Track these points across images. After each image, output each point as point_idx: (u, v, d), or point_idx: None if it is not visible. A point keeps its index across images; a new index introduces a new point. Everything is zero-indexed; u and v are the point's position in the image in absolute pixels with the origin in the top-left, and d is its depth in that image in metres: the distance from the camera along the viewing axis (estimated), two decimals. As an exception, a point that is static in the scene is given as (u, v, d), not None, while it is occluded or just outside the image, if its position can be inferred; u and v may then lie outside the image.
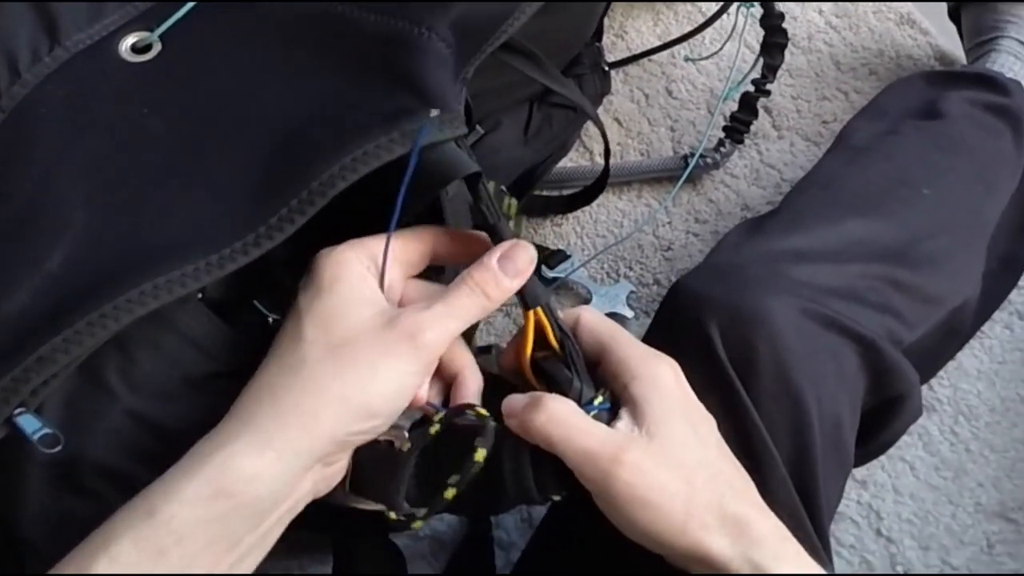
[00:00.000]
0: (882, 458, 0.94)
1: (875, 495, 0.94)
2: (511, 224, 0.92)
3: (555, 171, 1.09)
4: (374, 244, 0.52)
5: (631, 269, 1.06)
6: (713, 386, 0.60)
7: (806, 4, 1.23)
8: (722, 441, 0.55)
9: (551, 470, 0.52)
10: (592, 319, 0.57)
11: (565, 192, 1.09)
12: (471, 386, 0.55)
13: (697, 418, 0.55)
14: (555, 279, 1.03)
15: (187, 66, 0.58)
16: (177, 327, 0.51)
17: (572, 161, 1.13)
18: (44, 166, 0.53)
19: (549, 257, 1.04)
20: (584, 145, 1.14)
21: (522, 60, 0.76)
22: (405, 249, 0.54)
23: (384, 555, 0.84)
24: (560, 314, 0.56)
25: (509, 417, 0.52)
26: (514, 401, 0.52)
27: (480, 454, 0.51)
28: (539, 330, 0.54)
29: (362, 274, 0.51)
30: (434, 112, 0.53)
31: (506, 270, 0.52)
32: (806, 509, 0.64)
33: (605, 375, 0.55)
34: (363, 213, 0.64)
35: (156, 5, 0.60)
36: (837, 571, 0.90)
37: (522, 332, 0.55)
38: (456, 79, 0.59)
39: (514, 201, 0.76)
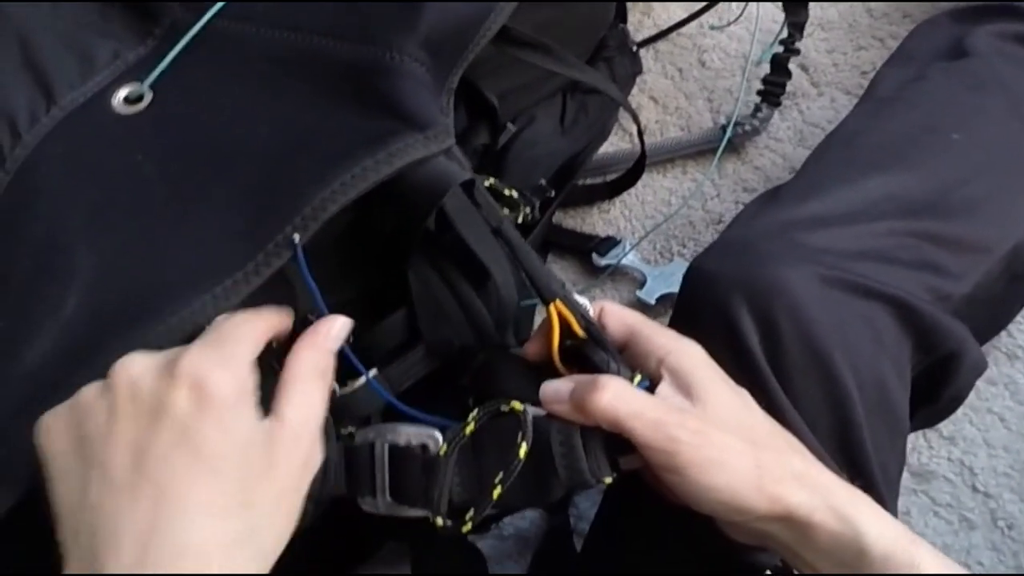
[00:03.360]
0: (968, 412, 0.91)
1: (966, 451, 0.91)
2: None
3: (596, 157, 1.08)
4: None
5: (684, 247, 1.04)
6: (739, 367, 0.59)
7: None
8: (765, 412, 0.55)
9: (600, 452, 0.52)
10: (616, 307, 0.58)
11: (609, 178, 1.08)
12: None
13: (735, 386, 0.55)
14: (608, 266, 1.02)
15: (177, 112, 0.60)
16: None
17: (613, 145, 1.12)
18: (49, 220, 0.56)
19: (600, 244, 1.04)
20: (623, 128, 1.12)
21: (535, 54, 0.76)
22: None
23: (463, 557, 0.85)
24: (585, 302, 0.57)
25: (555, 403, 0.52)
26: (556, 387, 0.53)
27: (523, 449, 0.51)
28: (563, 320, 0.55)
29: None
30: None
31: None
32: (858, 479, 0.62)
33: (635, 357, 0.56)
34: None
35: (146, 58, 0.62)
36: (937, 531, 0.88)
37: (546, 324, 0.56)
38: (439, 94, 0.60)
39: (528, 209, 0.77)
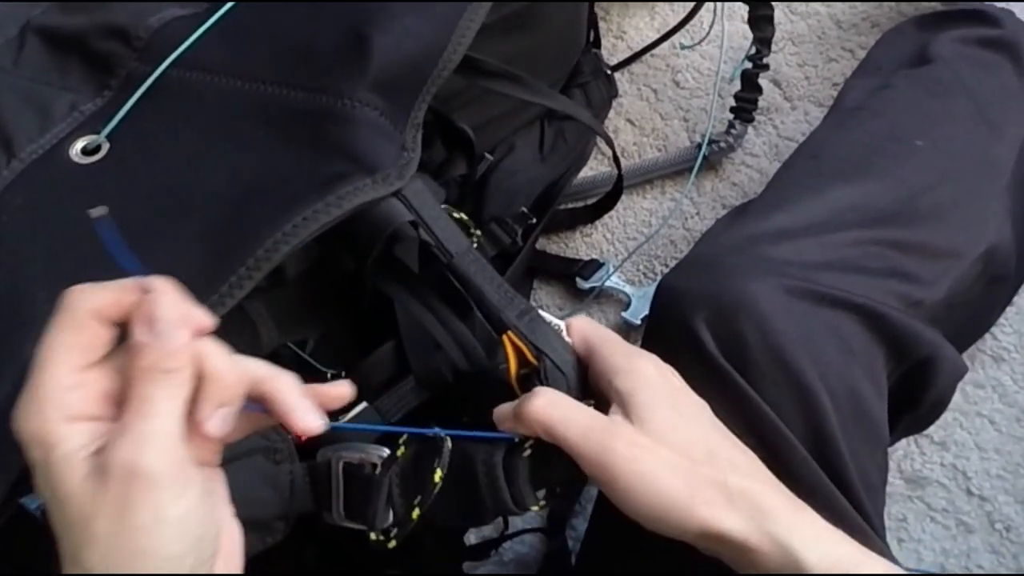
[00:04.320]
0: (958, 416, 0.92)
1: (958, 455, 0.91)
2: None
3: (576, 182, 1.09)
4: (58, 376, 0.41)
5: (667, 266, 1.05)
6: (709, 381, 0.60)
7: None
8: (719, 424, 0.55)
9: (524, 481, 0.54)
10: (581, 325, 0.59)
11: (590, 201, 1.09)
12: (288, 396, 0.46)
13: (684, 403, 0.55)
14: (592, 289, 1.03)
15: (134, 161, 0.61)
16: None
17: (592, 169, 1.12)
18: (9, 269, 0.57)
19: (584, 268, 1.04)
20: (602, 152, 1.13)
21: (506, 84, 0.77)
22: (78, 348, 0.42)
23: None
24: (557, 323, 0.59)
25: (503, 421, 0.54)
26: (502, 408, 0.55)
27: (438, 475, 0.53)
28: (519, 349, 0.57)
29: (66, 434, 0.40)
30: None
31: (162, 333, 0.41)
32: (836, 488, 0.62)
33: (593, 376, 0.57)
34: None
35: (102, 109, 0.64)
36: (935, 536, 0.88)
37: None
38: (398, 134, 0.61)
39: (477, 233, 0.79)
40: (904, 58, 0.84)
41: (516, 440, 0.54)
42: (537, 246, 1.07)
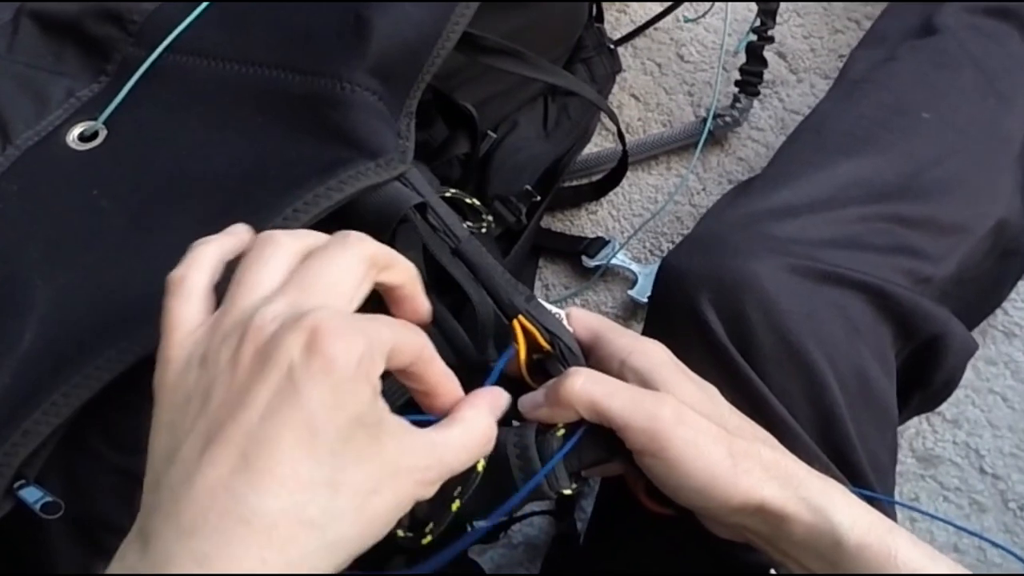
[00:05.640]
0: (970, 393, 0.90)
1: (971, 432, 0.90)
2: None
3: (581, 159, 1.08)
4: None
5: (673, 243, 1.03)
6: (713, 363, 0.59)
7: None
8: (732, 406, 0.55)
9: (558, 463, 0.53)
10: (582, 313, 0.58)
11: (594, 179, 1.07)
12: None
13: (699, 381, 0.55)
14: (598, 267, 1.02)
15: (132, 147, 0.61)
16: (140, 385, 0.52)
17: (597, 145, 1.11)
18: (6, 257, 0.57)
19: (589, 246, 1.03)
20: (607, 128, 1.12)
21: (507, 60, 0.76)
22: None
23: (463, 571, 0.85)
24: (557, 311, 0.58)
25: (533, 410, 0.53)
26: (531, 396, 0.54)
27: (480, 464, 0.51)
28: (529, 335, 0.56)
29: None
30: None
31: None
32: (845, 471, 0.61)
33: (599, 361, 0.56)
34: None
35: (99, 95, 0.63)
36: (948, 515, 0.87)
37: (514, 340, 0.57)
38: (395, 120, 0.61)
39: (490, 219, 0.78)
40: (909, 29, 0.82)
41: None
42: (542, 224, 1.05)
